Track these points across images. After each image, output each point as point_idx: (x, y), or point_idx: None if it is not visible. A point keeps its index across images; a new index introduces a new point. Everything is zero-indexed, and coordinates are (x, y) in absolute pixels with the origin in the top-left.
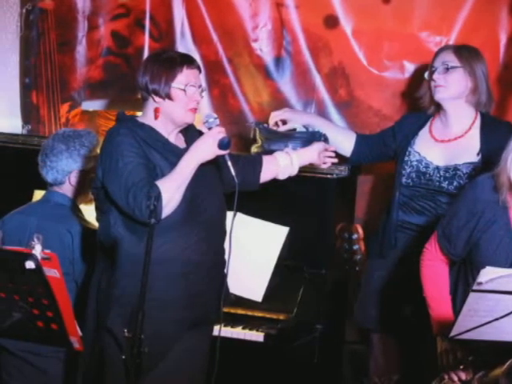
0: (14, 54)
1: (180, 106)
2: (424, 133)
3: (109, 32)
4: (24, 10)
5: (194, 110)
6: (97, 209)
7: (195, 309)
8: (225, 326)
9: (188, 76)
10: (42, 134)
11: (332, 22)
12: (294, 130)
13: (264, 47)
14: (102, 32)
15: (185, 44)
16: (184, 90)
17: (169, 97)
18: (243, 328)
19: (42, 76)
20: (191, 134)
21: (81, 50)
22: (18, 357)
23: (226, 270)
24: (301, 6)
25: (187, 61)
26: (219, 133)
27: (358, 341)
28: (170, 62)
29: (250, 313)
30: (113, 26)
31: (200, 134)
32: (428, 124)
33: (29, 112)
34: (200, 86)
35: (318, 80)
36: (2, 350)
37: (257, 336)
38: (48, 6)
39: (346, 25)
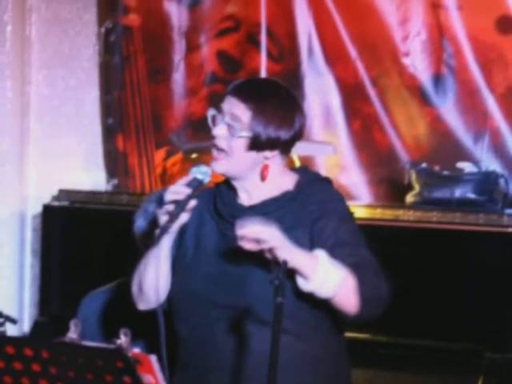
0: (92, 86)
1: None
2: None
3: (213, 53)
4: (103, 30)
5: None
6: None
7: None
8: None
9: None
10: (131, 191)
11: (507, 25)
12: (462, 170)
13: (418, 63)
14: (205, 53)
15: (314, 64)
16: None
17: None
18: None
19: (129, 114)
20: None
21: (178, 78)
22: None
23: None
24: (464, 6)
25: None
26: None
27: None
28: None
29: None
30: (218, 45)
31: None
32: None
33: (114, 162)
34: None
35: (491, 103)
36: None
37: None
38: (134, 23)
39: None
